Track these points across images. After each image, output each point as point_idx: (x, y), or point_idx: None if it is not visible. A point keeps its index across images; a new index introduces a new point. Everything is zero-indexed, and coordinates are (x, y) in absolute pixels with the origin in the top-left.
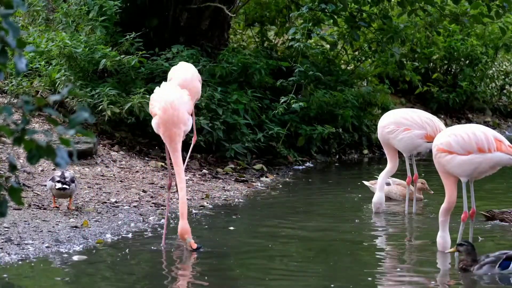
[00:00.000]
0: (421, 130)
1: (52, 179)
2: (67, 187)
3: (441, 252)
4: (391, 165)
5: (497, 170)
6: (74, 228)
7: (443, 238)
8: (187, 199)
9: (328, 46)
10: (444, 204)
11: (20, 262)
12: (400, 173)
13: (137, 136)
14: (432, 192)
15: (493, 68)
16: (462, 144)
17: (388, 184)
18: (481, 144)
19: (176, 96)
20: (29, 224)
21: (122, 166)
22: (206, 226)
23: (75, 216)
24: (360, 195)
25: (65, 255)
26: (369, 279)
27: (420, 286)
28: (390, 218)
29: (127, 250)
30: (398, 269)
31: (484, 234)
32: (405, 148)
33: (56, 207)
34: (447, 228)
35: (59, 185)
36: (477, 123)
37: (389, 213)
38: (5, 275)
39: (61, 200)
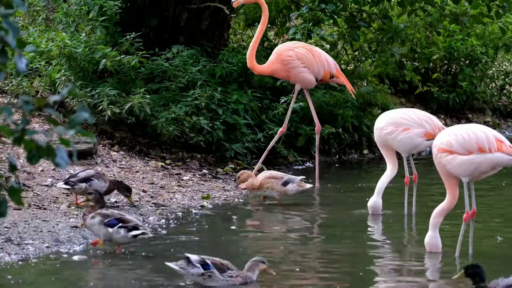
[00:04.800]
0: (420, 129)
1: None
2: (68, 187)
3: (434, 253)
4: (391, 167)
5: (497, 171)
6: (74, 228)
7: (435, 238)
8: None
9: (328, 46)
10: (444, 204)
11: (20, 262)
12: (400, 173)
13: (137, 136)
14: None
15: (493, 68)
16: (463, 143)
17: (287, 183)
18: (482, 144)
19: None
20: (29, 224)
21: (122, 166)
22: (206, 226)
23: (75, 216)
24: (360, 195)
25: (65, 255)
26: (373, 279)
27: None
28: (390, 218)
29: (127, 250)
30: (396, 267)
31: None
32: (405, 148)
33: (77, 204)
34: (438, 229)
35: (60, 183)
36: (477, 123)
37: (388, 213)
38: (5, 275)
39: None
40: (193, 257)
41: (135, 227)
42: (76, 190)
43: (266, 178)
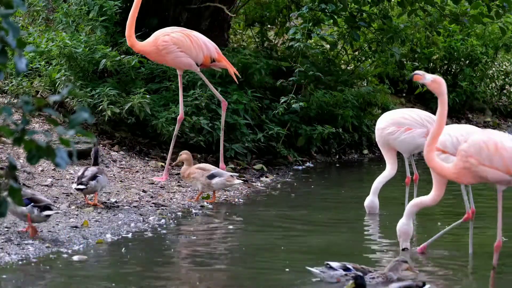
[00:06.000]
0: (422, 129)
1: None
2: (83, 187)
3: (435, 253)
4: (390, 167)
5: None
6: (74, 228)
7: (407, 225)
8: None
9: (328, 46)
10: (426, 199)
11: (20, 262)
12: (400, 174)
13: (137, 136)
14: None
15: (493, 68)
16: (457, 145)
17: (213, 176)
18: None
19: None
20: None
21: (122, 166)
22: (206, 226)
23: (75, 216)
24: (360, 195)
25: (65, 255)
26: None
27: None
28: (390, 217)
29: (127, 250)
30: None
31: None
32: (407, 148)
33: (89, 203)
34: (412, 217)
35: (74, 185)
36: (477, 123)
37: (388, 212)
38: (5, 275)
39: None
40: (334, 264)
41: (47, 207)
42: (88, 190)
43: (195, 168)
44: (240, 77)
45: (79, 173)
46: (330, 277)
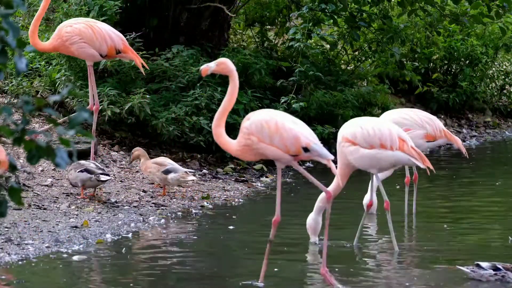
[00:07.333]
0: (421, 130)
1: (87, 171)
2: (109, 177)
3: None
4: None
5: (398, 168)
6: (74, 228)
7: (315, 221)
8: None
9: (328, 46)
10: (330, 191)
11: (20, 262)
12: (400, 174)
13: (137, 136)
14: None
15: (493, 68)
16: (367, 137)
17: (168, 172)
18: (384, 141)
19: None
20: (29, 224)
21: (122, 166)
22: (206, 226)
23: (75, 216)
24: (359, 195)
25: (65, 255)
26: (370, 277)
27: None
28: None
29: (127, 250)
30: (393, 268)
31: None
32: None
33: (84, 197)
34: (321, 213)
35: (103, 178)
36: (477, 123)
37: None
38: (5, 275)
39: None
40: (483, 264)
41: None
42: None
43: (152, 163)
44: (149, 69)
45: (92, 165)
46: (480, 276)
